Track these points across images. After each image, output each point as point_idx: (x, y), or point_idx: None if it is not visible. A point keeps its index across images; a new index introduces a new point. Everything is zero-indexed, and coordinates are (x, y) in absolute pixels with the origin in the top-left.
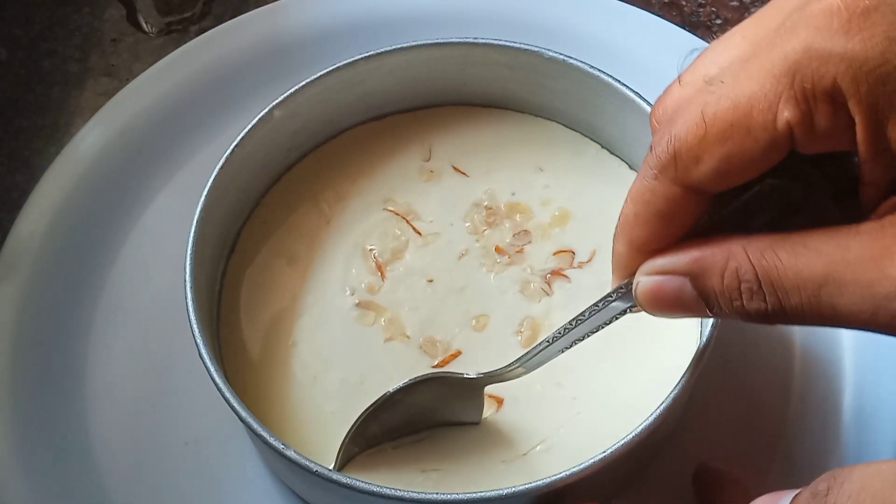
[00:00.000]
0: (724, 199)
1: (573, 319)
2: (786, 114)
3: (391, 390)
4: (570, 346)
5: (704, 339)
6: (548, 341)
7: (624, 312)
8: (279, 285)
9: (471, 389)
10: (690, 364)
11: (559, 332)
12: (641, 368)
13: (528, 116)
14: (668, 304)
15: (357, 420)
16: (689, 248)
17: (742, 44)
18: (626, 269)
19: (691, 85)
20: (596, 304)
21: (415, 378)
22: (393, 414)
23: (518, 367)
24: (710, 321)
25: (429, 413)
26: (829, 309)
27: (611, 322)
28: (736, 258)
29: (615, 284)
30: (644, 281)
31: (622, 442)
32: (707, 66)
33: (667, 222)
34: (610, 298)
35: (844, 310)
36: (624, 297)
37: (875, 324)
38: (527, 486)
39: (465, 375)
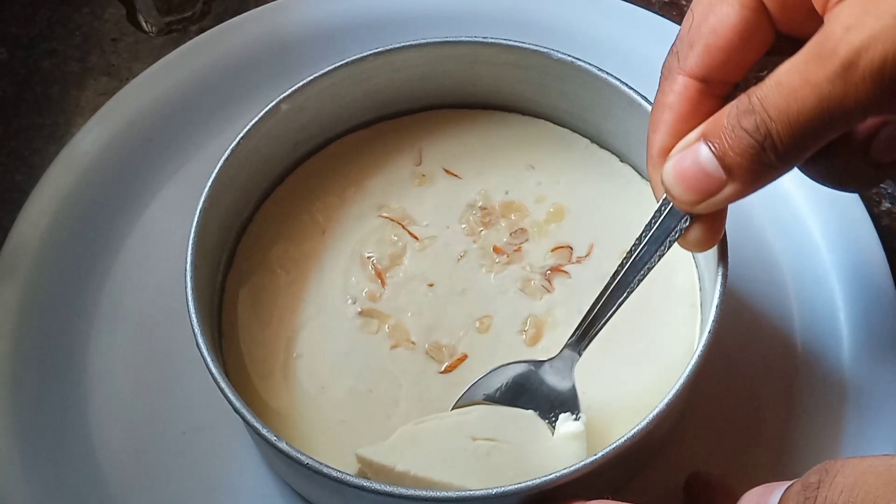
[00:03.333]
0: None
1: (631, 248)
2: None
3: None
4: (636, 282)
5: (704, 337)
6: (611, 280)
7: (673, 234)
8: (279, 299)
9: (554, 378)
10: (688, 367)
11: (618, 269)
12: (646, 359)
13: (516, 115)
14: (691, 177)
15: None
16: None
17: None
18: (661, 188)
19: None
20: (648, 225)
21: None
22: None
23: (588, 323)
24: (709, 319)
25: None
26: (797, 103)
27: (665, 249)
28: (737, 99)
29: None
30: (667, 166)
31: (615, 445)
32: None
33: (682, 121)
34: (657, 216)
35: (808, 98)
36: (668, 215)
37: (841, 106)
38: (517, 486)
39: (542, 360)
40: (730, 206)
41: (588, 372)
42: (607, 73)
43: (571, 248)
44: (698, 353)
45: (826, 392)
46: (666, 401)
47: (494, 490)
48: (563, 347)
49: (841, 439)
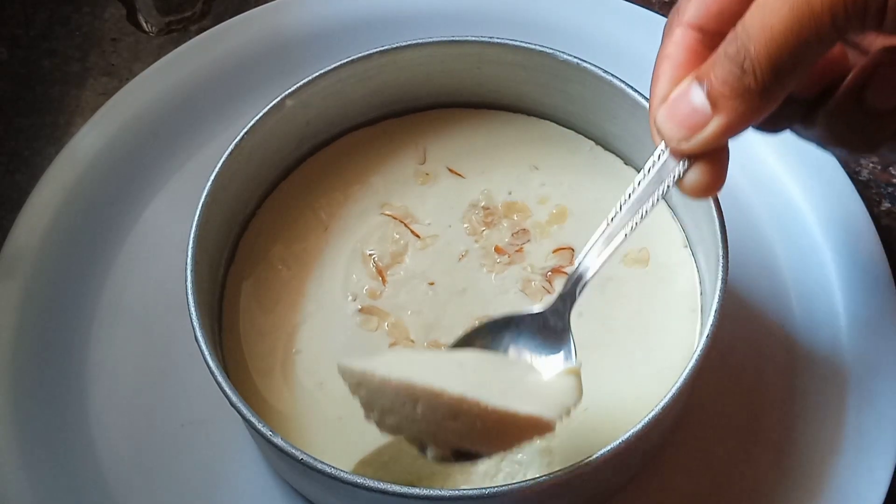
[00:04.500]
0: None
1: (629, 191)
2: None
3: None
4: (634, 225)
5: (702, 341)
6: (608, 221)
7: (670, 177)
8: (280, 294)
9: (550, 328)
10: (685, 370)
11: (616, 212)
12: (647, 363)
13: (521, 116)
14: (680, 114)
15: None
16: None
17: None
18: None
19: None
20: (646, 168)
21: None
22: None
23: (581, 265)
24: (708, 323)
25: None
26: (771, 17)
27: (661, 192)
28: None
29: None
30: (661, 108)
31: (610, 447)
32: None
33: (680, 69)
34: (654, 164)
35: (780, 9)
36: (668, 157)
37: (811, 12)
38: (511, 486)
39: (532, 311)
40: (729, 208)
41: (588, 375)
42: (612, 74)
43: (573, 250)
44: (696, 356)
45: (827, 393)
46: (662, 404)
47: (488, 490)
48: (559, 295)
49: (841, 442)
